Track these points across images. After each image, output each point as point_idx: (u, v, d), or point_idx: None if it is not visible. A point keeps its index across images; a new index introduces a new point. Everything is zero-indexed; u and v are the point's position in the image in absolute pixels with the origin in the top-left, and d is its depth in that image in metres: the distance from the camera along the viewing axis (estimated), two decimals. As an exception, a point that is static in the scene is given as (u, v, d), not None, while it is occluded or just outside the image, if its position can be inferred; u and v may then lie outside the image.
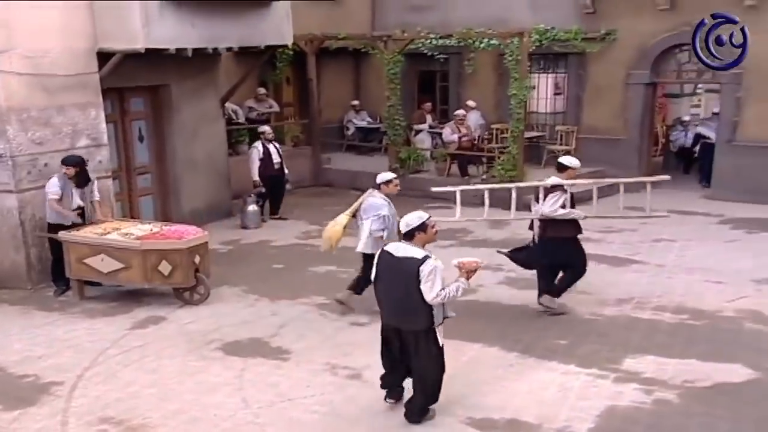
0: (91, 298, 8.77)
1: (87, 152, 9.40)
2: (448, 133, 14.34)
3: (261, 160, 12.13)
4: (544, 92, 15.69)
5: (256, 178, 12.15)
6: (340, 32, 15.03)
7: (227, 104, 13.10)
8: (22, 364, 7.00)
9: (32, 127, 9.02)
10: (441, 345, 5.63)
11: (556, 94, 15.66)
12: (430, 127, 16.15)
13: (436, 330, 5.58)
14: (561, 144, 15.06)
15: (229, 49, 11.27)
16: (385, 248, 5.74)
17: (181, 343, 7.44)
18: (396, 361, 5.85)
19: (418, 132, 16.04)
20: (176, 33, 10.02)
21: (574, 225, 7.83)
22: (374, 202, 7.78)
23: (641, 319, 7.84)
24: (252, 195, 12.17)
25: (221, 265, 9.68)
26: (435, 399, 5.75)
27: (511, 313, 8.14)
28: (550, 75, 15.60)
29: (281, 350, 7.24)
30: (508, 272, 9.43)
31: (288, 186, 12.73)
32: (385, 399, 6.02)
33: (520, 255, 8.21)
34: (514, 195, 8.24)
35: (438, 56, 14.91)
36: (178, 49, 10.15)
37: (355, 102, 17.36)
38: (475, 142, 14.59)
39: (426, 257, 5.41)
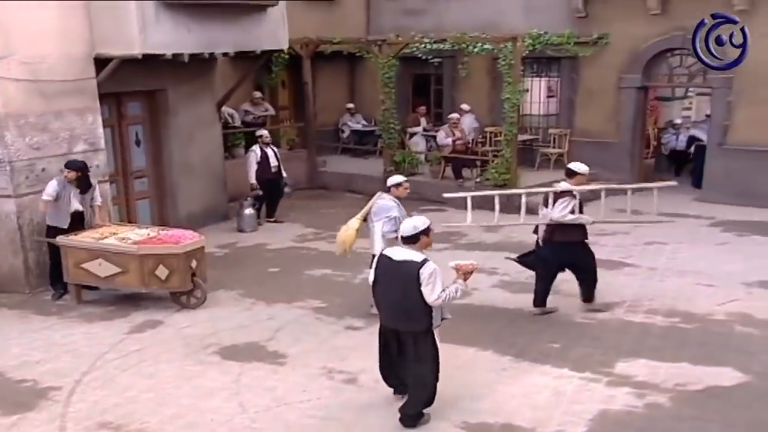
0: (88, 302, 8.82)
1: (84, 157, 9.45)
2: (443, 136, 14.43)
3: (258, 163, 12.21)
4: (537, 95, 15.78)
5: (253, 181, 12.22)
6: (335, 36, 15.10)
7: (223, 108, 13.16)
8: (21, 369, 7.05)
9: (30, 133, 9.08)
10: (438, 347, 5.73)
11: (549, 96, 15.75)
12: (425, 130, 16.24)
13: (435, 331, 5.69)
14: (554, 147, 15.18)
15: (225, 54, 11.33)
16: (383, 252, 5.83)
17: (178, 348, 7.50)
18: (394, 364, 5.96)
19: (412, 135, 16.13)
20: (173, 38, 10.09)
21: (581, 229, 7.99)
22: (384, 204, 7.87)
23: (633, 322, 7.93)
24: (248, 198, 12.24)
25: (218, 269, 9.75)
26: (430, 402, 5.82)
27: (505, 316, 8.23)
28: (543, 78, 15.70)
29: (277, 354, 7.30)
30: (503, 275, 9.54)
31: (287, 189, 12.79)
32: (394, 393, 6.12)
33: (527, 259, 8.39)
34: (524, 200, 8.36)
35: (432, 60, 15.00)
36: (174, 55, 10.23)
37: (350, 105, 17.42)
38: (469, 145, 14.67)
39: (425, 260, 5.53)
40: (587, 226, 8.02)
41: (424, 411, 5.83)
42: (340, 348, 7.43)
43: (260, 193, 12.33)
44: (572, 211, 7.80)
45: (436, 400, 5.85)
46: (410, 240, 5.64)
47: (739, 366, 6.75)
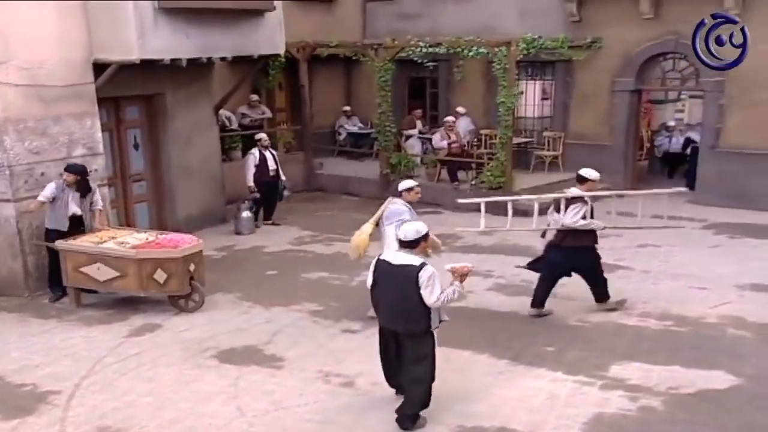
0: (87, 306, 8.87)
1: (83, 161, 9.50)
2: (438, 139, 14.53)
3: (257, 166, 12.29)
4: (531, 98, 15.87)
5: (251, 183, 12.30)
6: (331, 40, 15.20)
7: (220, 111, 13.22)
8: (20, 373, 7.10)
9: (29, 137, 9.14)
10: (435, 349, 5.83)
11: (543, 99, 15.85)
12: (420, 132, 16.33)
13: (434, 333, 5.80)
14: (548, 149, 15.28)
15: (222, 59, 11.40)
16: (381, 257, 5.94)
17: (176, 351, 7.56)
18: (393, 366, 6.06)
19: (408, 137, 16.21)
20: (171, 44, 10.14)
21: (592, 235, 8.12)
22: (396, 208, 7.95)
23: (627, 325, 8.01)
24: (246, 201, 12.31)
25: (215, 272, 9.81)
26: (426, 404, 5.90)
27: (501, 319, 8.30)
28: (537, 81, 15.80)
29: (275, 358, 7.36)
30: (498, 278, 9.63)
31: (286, 193, 12.83)
32: (396, 394, 6.21)
33: (537, 265, 8.49)
34: (536, 206, 8.50)
35: (428, 63, 15.09)
36: (172, 60, 10.28)
37: (347, 108, 17.47)
38: (465, 148, 14.76)
39: (423, 264, 5.65)
40: (599, 232, 8.15)
41: (421, 414, 5.91)
42: (337, 351, 7.50)
43: (257, 195, 12.40)
44: (584, 217, 7.94)
45: (431, 403, 5.92)
46: (410, 245, 5.75)
47: (731, 369, 6.84)
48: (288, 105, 16.78)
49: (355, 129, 17.38)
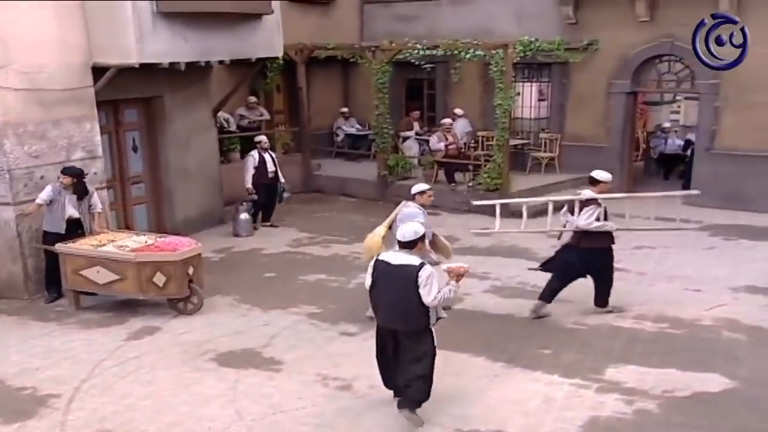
0: (86, 309, 8.90)
1: (82, 164, 9.55)
2: (435, 141, 14.59)
3: (256, 168, 12.33)
4: (528, 100, 15.93)
5: (249, 185, 12.34)
6: (329, 42, 15.24)
7: (219, 113, 13.26)
8: (21, 376, 7.13)
9: (29, 141, 9.18)
10: (435, 345, 5.92)
11: (540, 100, 15.90)
12: (417, 134, 16.38)
13: (432, 330, 5.90)
14: (545, 151, 15.35)
15: (221, 62, 11.43)
16: (380, 258, 6.02)
17: (175, 354, 7.59)
18: (391, 367, 6.12)
19: (405, 139, 16.27)
20: (169, 47, 10.18)
21: (608, 236, 8.21)
22: (410, 211, 7.99)
23: (623, 328, 8.07)
24: (244, 203, 12.35)
25: (214, 274, 9.86)
26: (427, 397, 5.94)
27: (497, 321, 8.35)
28: (534, 83, 15.85)
29: (273, 361, 7.40)
30: (494, 280, 9.69)
31: (286, 195, 12.85)
32: (394, 396, 6.24)
33: (550, 266, 8.58)
34: (550, 209, 8.58)
35: (425, 65, 15.15)
36: (171, 63, 10.33)
37: (344, 109, 17.51)
38: (462, 149, 14.82)
39: (422, 264, 5.76)
40: (613, 233, 8.24)
41: (417, 414, 5.95)
42: (334, 354, 7.54)
43: (255, 197, 12.44)
44: (597, 219, 8.03)
45: (428, 405, 5.97)
46: (409, 245, 5.85)
47: (726, 372, 6.89)
48: (286, 107, 16.81)
49: (352, 130, 17.41)
